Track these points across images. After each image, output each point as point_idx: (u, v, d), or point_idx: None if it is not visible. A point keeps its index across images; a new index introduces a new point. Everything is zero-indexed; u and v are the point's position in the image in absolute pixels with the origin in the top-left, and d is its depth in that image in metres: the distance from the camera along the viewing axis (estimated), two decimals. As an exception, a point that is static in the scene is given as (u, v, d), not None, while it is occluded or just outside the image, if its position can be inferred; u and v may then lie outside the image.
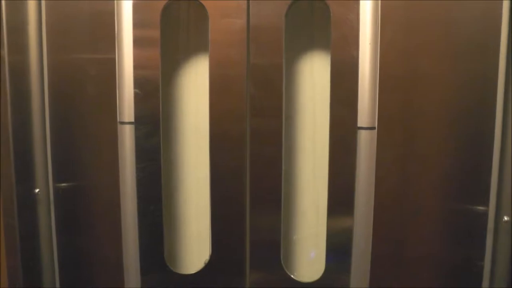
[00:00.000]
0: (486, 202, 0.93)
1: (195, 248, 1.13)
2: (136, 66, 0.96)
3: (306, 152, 1.07)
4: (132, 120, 0.97)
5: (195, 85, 1.09)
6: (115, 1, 0.96)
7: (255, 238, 1.00)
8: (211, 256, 1.03)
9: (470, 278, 0.96)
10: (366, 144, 0.93)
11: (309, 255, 1.10)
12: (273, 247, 1.00)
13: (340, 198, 0.96)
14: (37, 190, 1.06)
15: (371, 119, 0.92)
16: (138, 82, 0.97)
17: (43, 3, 1.01)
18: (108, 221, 1.04)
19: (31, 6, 1.01)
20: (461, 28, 0.91)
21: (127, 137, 0.98)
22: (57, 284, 1.10)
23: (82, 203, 1.05)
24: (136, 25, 0.95)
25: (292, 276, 1.01)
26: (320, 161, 1.05)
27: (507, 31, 0.89)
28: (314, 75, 1.06)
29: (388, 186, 0.95)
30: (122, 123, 0.98)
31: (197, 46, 1.07)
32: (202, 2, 0.95)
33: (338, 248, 0.98)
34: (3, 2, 0.96)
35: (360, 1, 0.90)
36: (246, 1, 0.94)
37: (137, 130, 0.98)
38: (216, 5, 0.95)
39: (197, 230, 1.12)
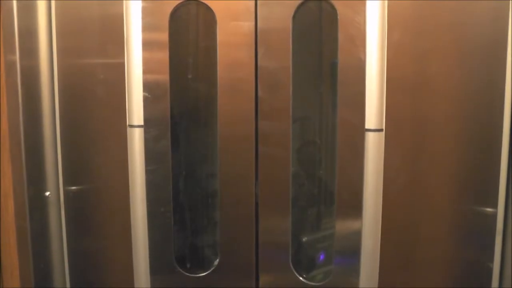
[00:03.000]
0: (494, 204, 0.93)
1: (204, 250, 1.13)
2: (145, 70, 0.96)
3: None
4: (142, 123, 0.98)
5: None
6: (124, 4, 0.97)
7: (264, 240, 1.01)
8: (220, 258, 1.03)
9: (479, 280, 0.96)
10: (374, 146, 0.92)
11: (318, 257, 1.10)
12: (283, 249, 1.00)
13: (348, 200, 0.96)
14: (47, 193, 1.07)
15: (378, 121, 0.92)
16: (147, 85, 0.97)
17: (52, 7, 1.01)
18: (118, 223, 1.04)
19: (41, 10, 1.02)
20: (469, 29, 0.90)
21: (136, 140, 0.98)
22: (68, 285, 1.11)
23: (92, 205, 1.06)
24: (145, 28, 0.96)
25: (301, 278, 1.02)
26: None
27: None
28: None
29: (396, 188, 0.95)
30: (132, 126, 0.98)
31: (205, 49, 1.07)
32: (210, 5, 0.96)
33: (346, 250, 0.98)
34: (14, 7, 0.97)
35: (367, 2, 0.89)
36: (254, 4, 0.95)
37: (146, 133, 0.98)
38: (224, 8, 0.95)
39: (205, 232, 1.13)
